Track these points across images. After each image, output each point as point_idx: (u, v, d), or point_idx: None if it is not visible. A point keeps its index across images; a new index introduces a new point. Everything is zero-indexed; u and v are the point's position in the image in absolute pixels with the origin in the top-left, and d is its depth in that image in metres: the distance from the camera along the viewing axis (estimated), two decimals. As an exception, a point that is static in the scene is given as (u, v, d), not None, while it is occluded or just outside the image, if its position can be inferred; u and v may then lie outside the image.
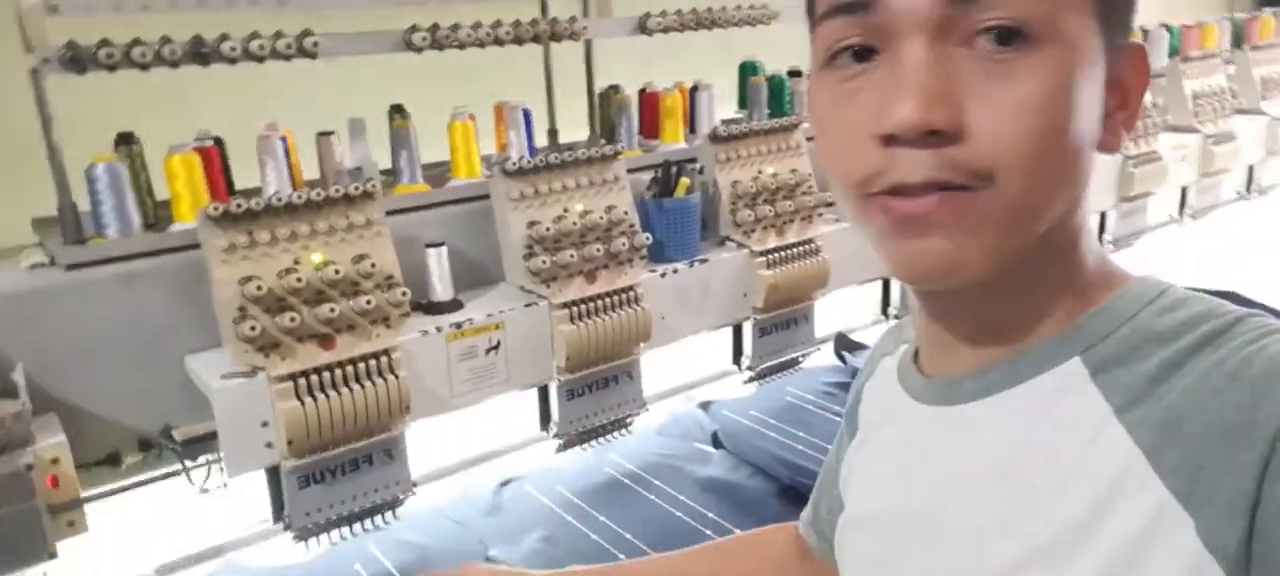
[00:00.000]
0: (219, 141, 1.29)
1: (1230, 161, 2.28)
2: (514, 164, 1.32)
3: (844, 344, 1.82)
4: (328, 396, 1.13)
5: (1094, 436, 0.43)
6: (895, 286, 1.86)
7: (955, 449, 0.50)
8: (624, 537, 1.24)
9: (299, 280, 1.11)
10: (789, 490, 1.31)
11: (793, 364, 1.69)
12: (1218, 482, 0.39)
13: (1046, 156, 0.43)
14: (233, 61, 1.18)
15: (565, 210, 1.36)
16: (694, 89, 1.72)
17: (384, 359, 1.18)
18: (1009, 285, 0.46)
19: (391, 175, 1.39)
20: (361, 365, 1.16)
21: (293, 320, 1.10)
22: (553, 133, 1.66)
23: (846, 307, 1.89)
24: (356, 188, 1.17)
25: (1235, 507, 0.39)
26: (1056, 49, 0.42)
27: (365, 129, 1.39)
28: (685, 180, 1.49)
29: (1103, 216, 2.12)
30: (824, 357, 1.78)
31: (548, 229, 1.32)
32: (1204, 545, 0.39)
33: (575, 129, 1.70)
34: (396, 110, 1.41)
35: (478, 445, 1.49)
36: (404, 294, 1.18)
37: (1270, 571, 0.38)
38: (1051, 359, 0.46)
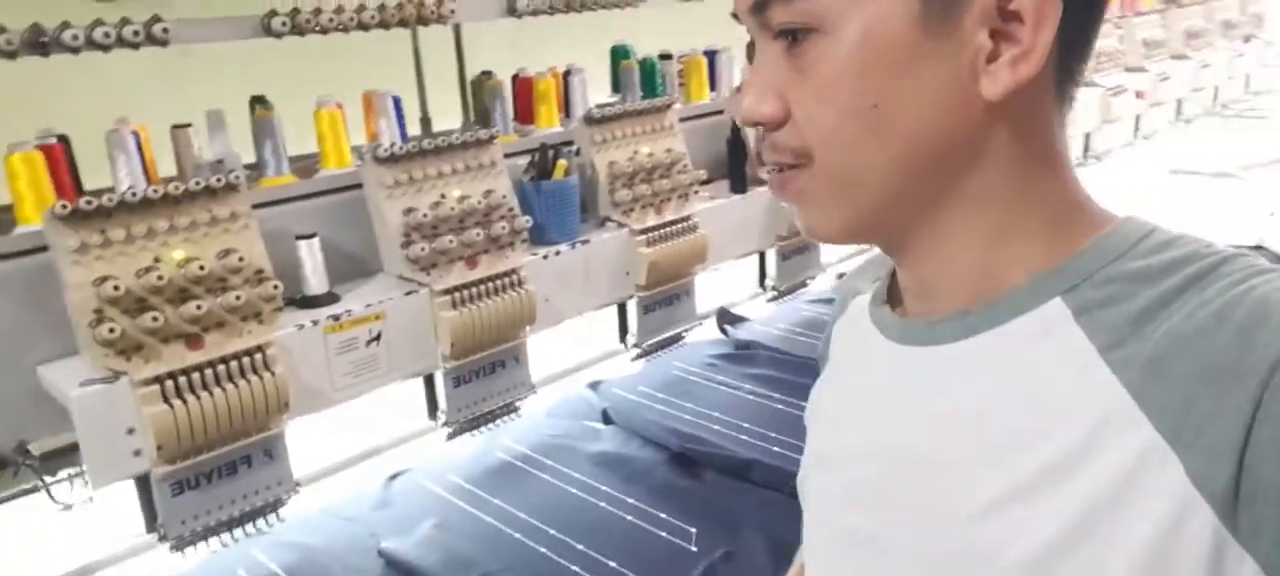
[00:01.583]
0: (64, 139, 1.21)
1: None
2: (386, 150, 1.29)
3: (726, 318, 1.87)
4: (198, 398, 1.08)
5: (1078, 376, 0.43)
6: (771, 260, 1.92)
7: (933, 390, 0.50)
8: (518, 517, 1.24)
9: (160, 278, 1.06)
10: (679, 458, 1.33)
11: (677, 339, 1.72)
12: (1206, 423, 0.40)
13: (851, 131, 0.46)
14: (76, 51, 1.12)
15: (442, 196, 1.35)
16: (567, 73, 1.73)
17: (258, 356, 1.14)
18: (943, 239, 0.48)
19: (256, 168, 1.34)
20: (234, 364, 1.12)
21: (155, 320, 1.05)
22: (425, 121, 1.64)
23: (726, 282, 1.94)
24: (218, 179, 1.13)
25: (1224, 448, 0.39)
26: (842, 35, 0.45)
27: (224, 121, 1.33)
28: (563, 162, 1.50)
29: None
30: (706, 332, 1.82)
31: (425, 215, 1.30)
32: (1192, 484, 0.39)
33: (448, 117, 1.68)
34: (257, 100, 1.36)
35: (364, 441, 1.46)
36: (276, 287, 1.14)
37: (1258, 510, 0.39)
38: (1031, 301, 0.46)
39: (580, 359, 1.70)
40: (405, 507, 1.29)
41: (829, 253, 2.08)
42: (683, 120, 1.72)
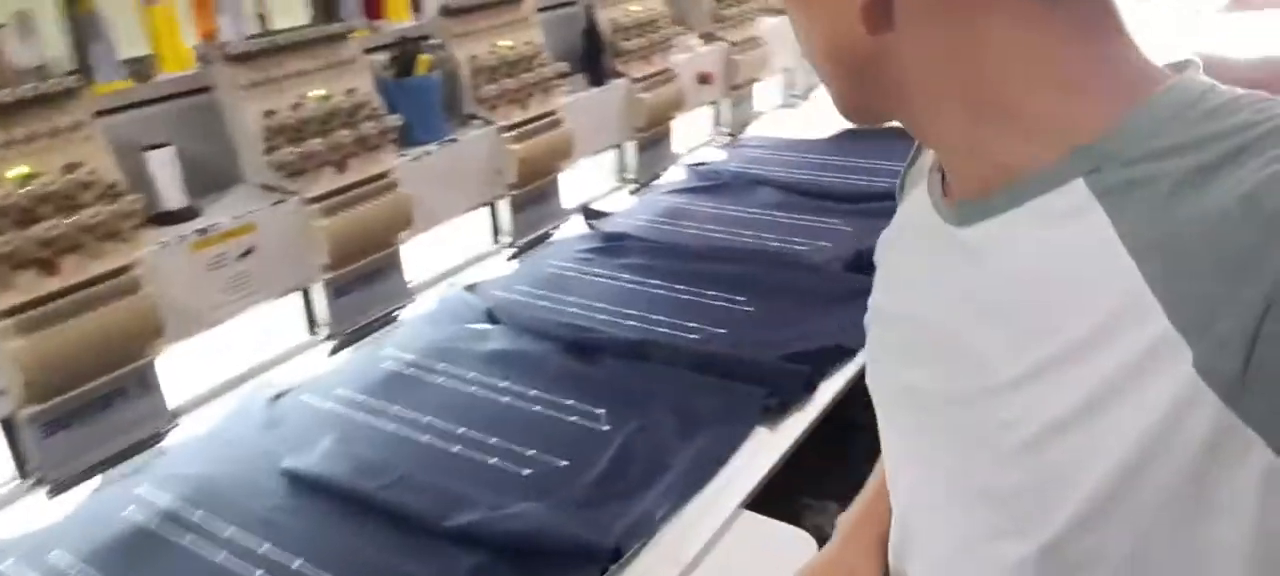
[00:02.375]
0: None
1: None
2: (238, 48, 1.19)
3: (591, 213, 1.88)
4: (63, 326, 0.98)
5: (1097, 262, 0.42)
6: (629, 153, 1.94)
7: (961, 271, 0.50)
8: (422, 420, 1.22)
9: (2, 196, 0.94)
10: (573, 347, 1.35)
11: (546, 237, 1.72)
12: (1217, 314, 0.38)
13: (812, 61, 0.53)
14: None
15: (303, 96, 1.26)
16: (412, -35, 1.64)
17: (124, 277, 1.04)
18: (945, 128, 0.49)
19: (82, 74, 1.20)
20: (97, 287, 1.02)
21: (3, 245, 0.94)
22: (262, 17, 1.51)
23: (585, 179, 1.95)
24: (57, 84, 1.00)
25: (1234, 341, 0.38)
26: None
27: (34, 22, 1.17)
28: (425, 57, 1.43)
29: (715, 108, 2.28)
30: (572, 228, 1.83)
31: (288, 117, 1.22)
32: (1198, 372, 0.39)
33: (286, 14, 1.55)
34: (75, -4, 1.20)
35: (237, 364, 1.37)
36: (135, 201, 1.04)
37: (1264, 399, 0.38)
38: (1056, 181, 0.44)
39: (451, 263, 1.66)
40: (297, 425, 1.24)
41: (680, 143, 2.12)
42: (541, 9, 1.69)
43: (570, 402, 1.23)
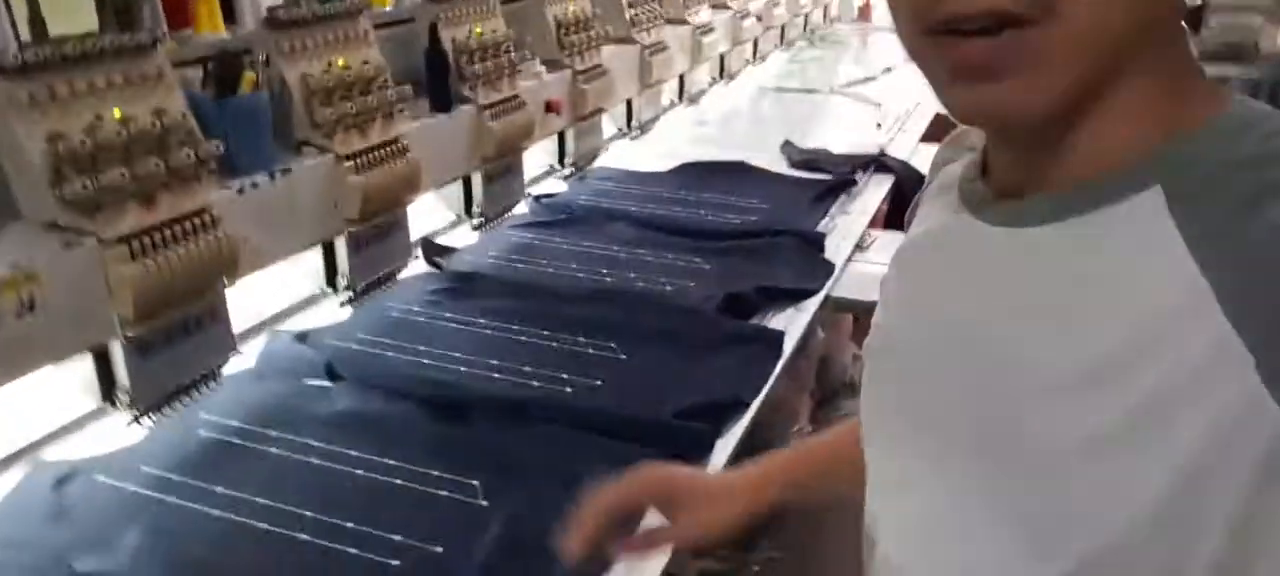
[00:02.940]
0: None
1: (665, 71, 2.38)
2: (16, 58, 0.96)
3: (433, 250, 1.72)
4: None
5: (1161, 268, 0.42)
6: (476, 184, 1.80)
7: (1016, 271, 0.48)
8: (255, 503, 1.02)
9: None
10: (433, 405, 1.19)
11: (391, 277, 1.55)
12: None
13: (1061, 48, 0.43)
14: None
15: (98, 117, 1.04)
16: (226, -32, 1.43)
17: None
18: (1080, 112, 0.45)
19: None
20: None
21: None
22: (37, 22, 1.25)
23: (424, 213, 1.78)
24: None
25: None
26: None
27: None
28: (250, 74, 1.24)
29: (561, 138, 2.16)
30: (416, 268, 1.66)
31: (82, 143, 1.00)
32: (1263, 382, 0.39)
33: (69, 19, 1.30)
34: None
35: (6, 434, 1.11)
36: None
37: None
38: (1130, 186, 0.44)
39: (277, 306, 1.46)
40: (90, 515, 1.01)
41: (532, 173, 2.01)
42: (378, 26, 1.52)
43: (437, 474, 1.08)
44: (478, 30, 1.74)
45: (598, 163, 2.31)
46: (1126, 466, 0.42)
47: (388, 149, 1.44)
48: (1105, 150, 0.46)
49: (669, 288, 1.57)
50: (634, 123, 2.59)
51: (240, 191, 1.21)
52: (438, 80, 1.63)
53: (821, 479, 0.80)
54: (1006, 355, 0.48)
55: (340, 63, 1.39)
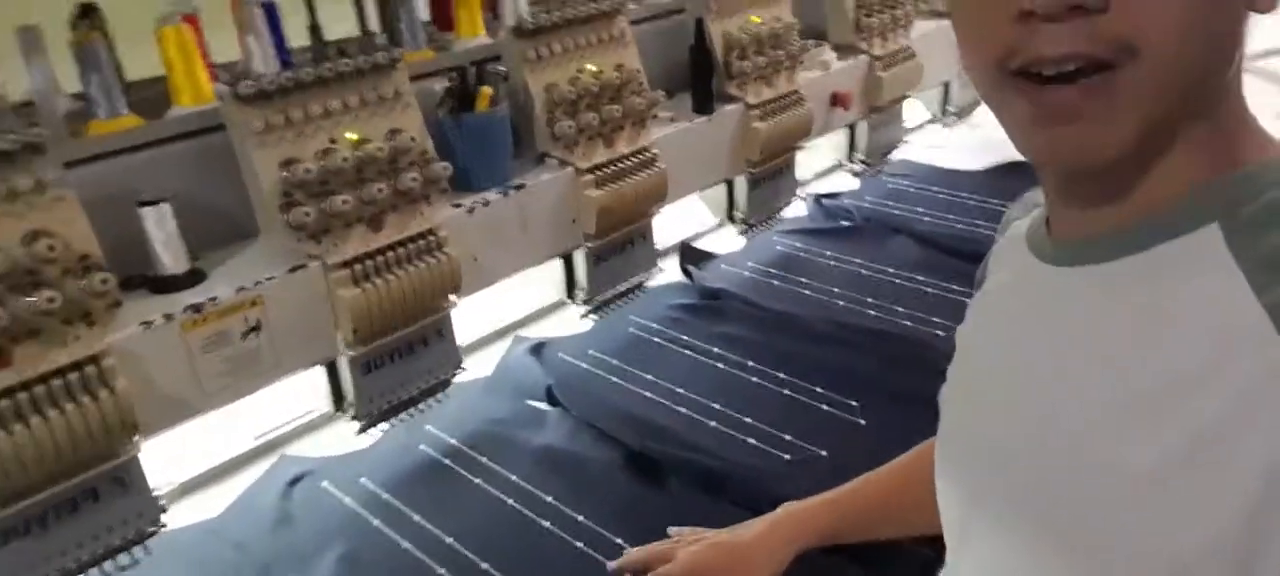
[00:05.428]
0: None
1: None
2: (251, 84, 1.00)
3: (690, 255, 1.62)
4: (8, 431, 0.82)
5: (1219, 300, 0.43)
6: (739, 188, 1.67)
7: (1075, 309, 0.50)
8: (442, 543, 1.01)
9: None
10: (639, 459, 1.10)
11: (635, 289, 1.48)
12: None
13: (1197, 25, 0.42)
14: None
15: (331, 141, 1.06)
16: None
17: (91, 370, 0.87)
18: (1148, 152, 0.46)
19: (83, 103, 1.04)
20: (55, 383, 0.85)
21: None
22: (314, 28, 1.32)
23: (686, 211, 1.69)
24: (14, 139, 0.84)
25: None
26: None
27: (41, 42, 1.02)
28: (486, 89, 1.21)
29: (851, 130, 1.95)
30: (668, 275, 1.58)
31: (309, 170, 1.02)
32: None
33: (342, 22, 1.36)
34: (85, 12, 1.04)
35: (257, 424, 1.21)
36: (104, 282, 0.87)
37: None
38: (1188, 222, 0.46)
39: (517, 310, 1.45)
40: (308, 528, 1.06)
41: (803, 171, 1.83)
42: (634, 22, 1.43)
43: (619, 542, 0.99)
44: (754, 19, 1.58)
45: (898, 155, 2.06)
46: (1187, 495, 0.42)
47: (634, 159, 1.36)
48: (1166, 189, 0.46)
49: (941, 334, 1.33)
50: (949, 107, 2.28)
51: (470, 210, 1.19)
52: (701, 81, 1.51)
53: (866, 523, 0.87)
54: (1071, 388, 0.49)
55: (590, 70, 1.33)
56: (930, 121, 2.28)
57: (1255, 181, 0.45)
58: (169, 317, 0.95)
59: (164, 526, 0.98)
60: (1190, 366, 0.43)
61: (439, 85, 1.23)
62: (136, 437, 0.93)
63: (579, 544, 0.99)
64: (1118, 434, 0.45)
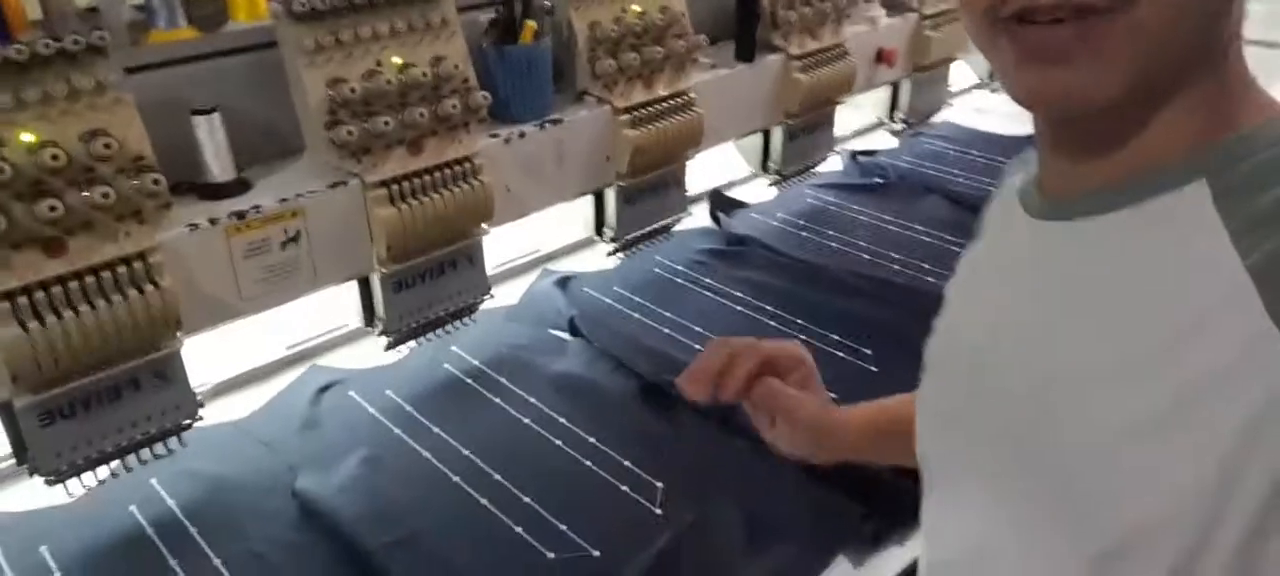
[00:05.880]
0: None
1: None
2: (305, 3, 1.04)
3: (720, 203, 1.64)
4: (61, 317, 0.89)
5: (1203, 259, 0.43)
6: (775, 140, 1.68)
7: (1060, 262, 0.50)
8: (460, 454, 1.07)
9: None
10: (652, 389, 1.14)
11: (663, 231, 1.51)
12: None
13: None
14: None
15: (378, 64, 1.10)
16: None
17: (139, 265, 0.93)
18: (1140, 104, 0.46)
19: (145, 13, 1.09)
20: (105, 275, 0.91)
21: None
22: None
23: (719, 160, 1.71)
24: (77, 41, 0.89)
25: None
26: None
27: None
28: (531, 23, 1.24)
29: (894, 89, 1.93)
30: (696, 220, 1.60)
31: (354, 90, 1.06)
32: None
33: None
34: (150, -72, 1.09)
35: (291, 334, 1.27)
36: (156, 182, 0.92)
37: None
38: (1178, 180, 0.45)
39: (546, 243, 1.49)
40: (333, 432, 1.12)
41: (842, 127, 1.83)
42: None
43: (628, 465, 1.04)
44: (804, -32, 1.58)
45: (940, 116, 2.05)
46: (1165, 452, 0.43)
47: (671, 102, 1.38)
48: (1156, 146, 0.46)
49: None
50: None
51: (507, 141, 1.23)
52: (745, 27, 1.52)
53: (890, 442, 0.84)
54: (1055, 344, 0.49)
55: (634, 10, 1.34)
56: (977, 86, 2.26)
57: (1249, 142, 0.44)
58: (214, 222, 1.00)
59: (201, 419, 1.05)
60: (1174, 327, 0.43)
61: (485, 16, 1.26)
62: (179, 334, 0.99)
63: (588, 463, 1.04)
64: (1099, 388, 0.45)
